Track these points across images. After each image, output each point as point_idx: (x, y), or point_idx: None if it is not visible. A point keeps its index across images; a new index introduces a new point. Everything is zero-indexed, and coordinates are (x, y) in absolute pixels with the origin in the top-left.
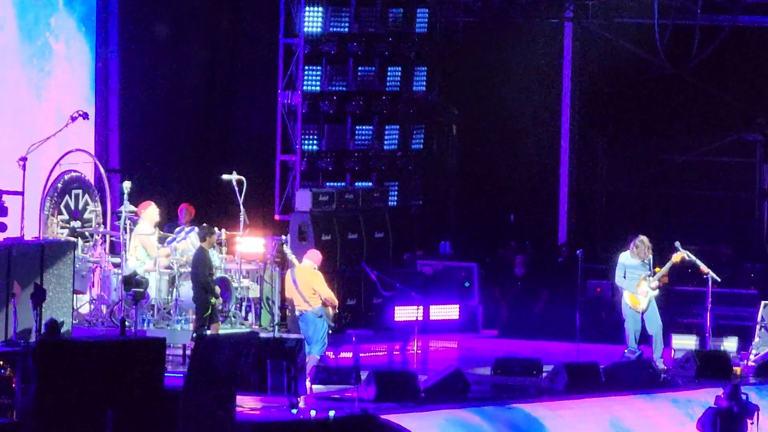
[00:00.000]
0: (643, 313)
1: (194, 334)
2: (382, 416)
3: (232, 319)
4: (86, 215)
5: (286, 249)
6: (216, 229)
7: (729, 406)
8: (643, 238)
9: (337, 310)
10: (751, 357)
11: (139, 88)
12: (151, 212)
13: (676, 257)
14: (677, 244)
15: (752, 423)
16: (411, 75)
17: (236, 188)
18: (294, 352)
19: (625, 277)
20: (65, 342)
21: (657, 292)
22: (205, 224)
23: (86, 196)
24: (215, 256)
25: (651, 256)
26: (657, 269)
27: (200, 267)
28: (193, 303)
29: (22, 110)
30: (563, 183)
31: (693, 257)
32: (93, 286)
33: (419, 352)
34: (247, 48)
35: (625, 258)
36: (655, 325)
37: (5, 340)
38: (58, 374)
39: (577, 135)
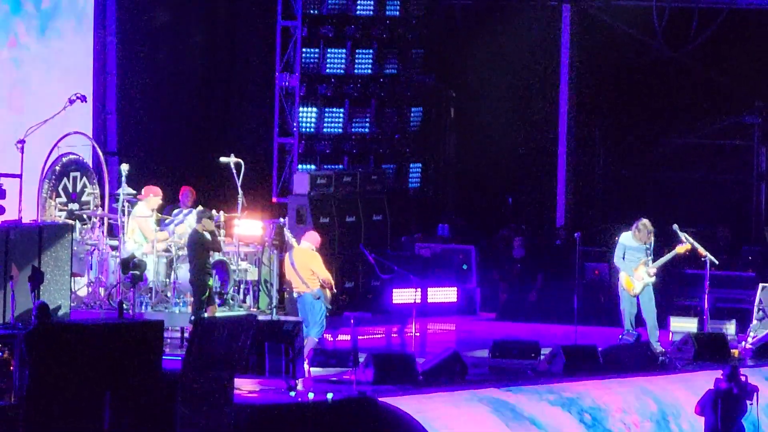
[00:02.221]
0: (638, 297)
1: (192, 317)
2: (380, 399)
3: (230, 301)
4: (84, 198)
5: (286, 232)
6: (214, 212)
7: (728, 388)
8: (646, 221)
9: (335, 291)
10: (749, 339)
11: (137, 70)
12: (155, 199)
13: (680, 248)
14: (675, 226)
15: (752, 404)
16: (409, 58)
17: (234, 171)
18: (292, 335)
19: (624, 259)
20: (61, 326)
21: (654, 279)
22: (202, 208)
23: (84, 178)
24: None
25: (652, 241)
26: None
27: (197, 249)
28: (190, 286)
29: (20, 93)
30: (561, 166)
31: (691, 240)
32: (91, 269)
33: (417, 334)
34: (245, 30)
35: (625, 238)
36: (650, 313)
37: (3, 323)
38: (54, 358)
39: (574, 118)
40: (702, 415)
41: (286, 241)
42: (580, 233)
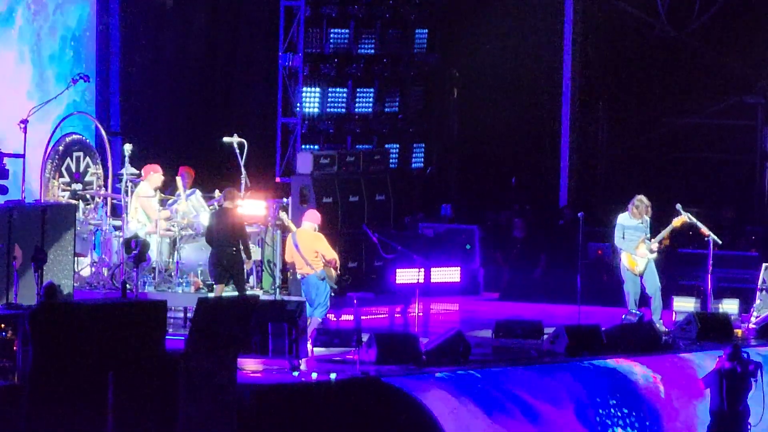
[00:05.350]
0: (641, 276)
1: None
2: (384, 378)
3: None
4: (87, 178)
5: (283, 215)
6: (217, 192)
7: (732, 367)
8: (641, 197)
9: (339, 272)
10: (752, 319)
11: (141, 50)
12: (156, 177)
13: (676, 221)
14: (679, 206)
15: (755, 381)
16: (412, 38)
17: (237, 151)
18: (295, 315)
19: (624, 238)
20: (64, 306)
21: (656, 255)
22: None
23: (87, 158)
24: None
25: (649, 216)
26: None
27: (242, 228)
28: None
29: (23, 73)
30: (564, 146)
31: (694, 219)
32: (94, 249)
33: (420, 314)
34: (249, 9)
35: (623, 219)
36: (653, 286)
37: (6, 303)
38: (57, 338)
39: (578, 98)
40: (707, 387)
41: (287, 224)
42: (583, 213)
